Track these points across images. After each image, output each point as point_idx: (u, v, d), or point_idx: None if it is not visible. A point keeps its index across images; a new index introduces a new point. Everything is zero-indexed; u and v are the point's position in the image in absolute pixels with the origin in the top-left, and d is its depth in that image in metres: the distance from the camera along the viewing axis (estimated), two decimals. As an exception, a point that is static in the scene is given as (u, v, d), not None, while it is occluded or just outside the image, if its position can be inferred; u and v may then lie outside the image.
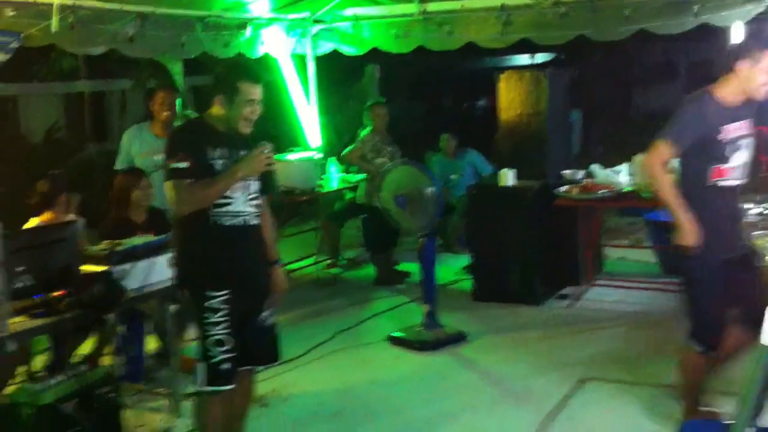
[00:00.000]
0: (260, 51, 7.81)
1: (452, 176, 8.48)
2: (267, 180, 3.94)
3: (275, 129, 8.72)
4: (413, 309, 6.37)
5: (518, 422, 4.47)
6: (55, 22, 5.31)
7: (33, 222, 5.00)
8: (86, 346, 5.25)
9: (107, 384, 4.36)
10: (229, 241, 3.73)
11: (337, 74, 9.70)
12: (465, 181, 8.25)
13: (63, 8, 5.74)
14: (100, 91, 15.88)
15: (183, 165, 3.61)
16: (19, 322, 3.96)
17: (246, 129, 3.75)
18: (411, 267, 7.22)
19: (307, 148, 8.18)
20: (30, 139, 14.76)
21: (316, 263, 8.04)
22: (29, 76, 13.12)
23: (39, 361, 4.95)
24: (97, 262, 4.51)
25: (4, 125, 15.75)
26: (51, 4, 5.63)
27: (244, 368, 3.88)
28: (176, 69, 10.94)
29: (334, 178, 7.83)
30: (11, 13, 5.53)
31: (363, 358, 5.66)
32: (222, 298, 3.69)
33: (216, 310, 3.69)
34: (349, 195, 8.16)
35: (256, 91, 3.73)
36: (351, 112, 10.61)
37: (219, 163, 3.68)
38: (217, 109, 3.74)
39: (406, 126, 12.01)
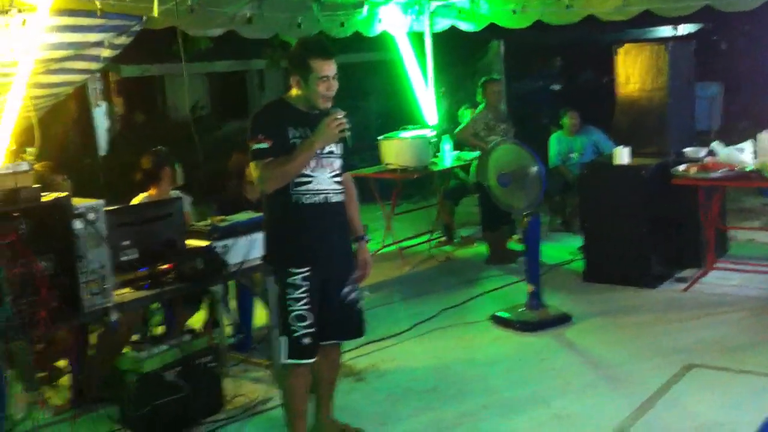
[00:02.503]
0: (377, 29, 7.87)
1: (572, 155, 8.28)
2: (347, 155, 3.98)
3: (393, 107, 8.80)
4: (522, 288, 6.27)
5: (611, 408, 4.35)
6: (155, 8, 5.52)
7: (139, 198, 5.28)
8: (198, 318, 5.50)
9: (209, 353, 4.59)
10: (309, 219, 3.81)
11: (458, 51, 9.63)
12: (586, 160, 8.04)
13: (181, -9, 6.00)
14: (240, 70, 16.50)
15: (263, 145, 3.71)
16: (125, 293, 4.21)
17: (326, 105, 3.79)
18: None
19: (424, 125, 8.19)
20: (174, 117, 15.56)
21: (429, 241, 8.07)
22: (172, 57, 13.79)
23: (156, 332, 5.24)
24: (201, 238, 4.72)
25: (150, 104, 16.70)
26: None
27: (329, 342, 3.98)
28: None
29: (448, 156, 7.81)
30: (130, -4, 5.81)
31: (464, 336, 5.66)
32: (303, 274, 3.79)
33: (297, 287, 3.79)
34: (462, 173, 8.13)
35: (329, 66, 3.75)
36: (474, 88, 10.50)
37: (300, 142, 3.77)
38: (295, 89, 3.82)
39: (529, 102, 11.82)
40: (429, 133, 7.78)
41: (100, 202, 4.00)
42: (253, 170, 3.78)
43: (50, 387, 5.00)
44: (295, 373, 3.88)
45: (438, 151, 7.84)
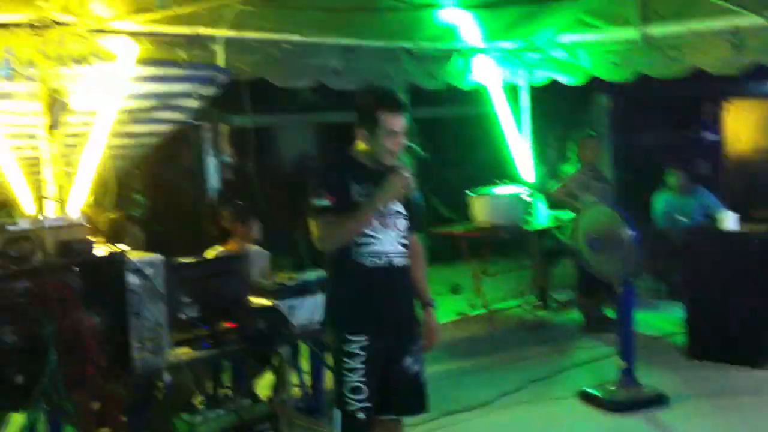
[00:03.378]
0: (470, 81, 7.62)
1: (680, 217, 7.73)
2: (414, 215, 3.72)
3: (487, 162, 8.48)
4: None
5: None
6: (221, 58, 5.45)
7: (213, 251, 5.12)
8: (266, 379, 5.27)
9: (268, 420, 4.33)
10: (370, 283, 3.54)
11: (558, 104, 9.26)
12: (695, 223, 7.49)
13: (268, 43, 5.92)
14: (347, 122, 16.52)
15: (325, 202, 3.48)
16: (183, 353, 4.02)
17: (392, 162, 3.55)
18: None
19: (521, 182, 7.84)
20: (283, 168, 15.67)
21: (522, 305, 7.66)
22: (283, 108, 13.91)
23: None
24: (267, 296, 4.51)
25: (262, 154, 16.90)
26: (259, 39, 5.84)
27: (389, 417, 3.67)
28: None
29: (543, 215, 7.42)
30: (218, 49, 5.75)
31: (549, 413, 5.21)
32: (361, 343, 3.51)
33: (353, 356, 3.51)
34: (560, 234, 7.71)
35: (398, 121, 3.52)
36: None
37: (363, 201, 3.52)
38: (360, 143, 3.58)
39: (635, 159, 11.26)
40: (522, 190, 7.42)
41: (158, 257, 3.85)
42: (312, 228, 3.55)
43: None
44: (348, 450, 3.58)
45: (532, 209, 7.46)
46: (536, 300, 7.85)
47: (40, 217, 3.56)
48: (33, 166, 5.12)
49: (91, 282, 3.61)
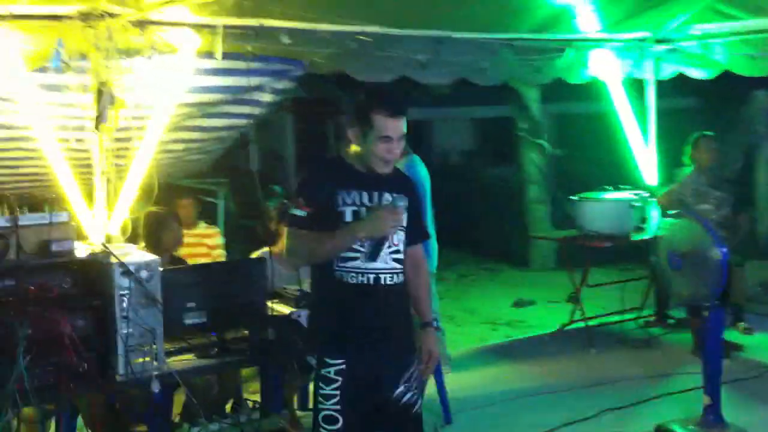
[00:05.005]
0: (585, 76, 7.00)
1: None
2: (416, 225, 3.33)
3: (604, 164, 7.80)
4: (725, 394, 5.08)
5: None
6: (291, 50, 5.18)
7: (257, 253, 4.92)
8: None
9: (278, 436, 4.08)
10: (352, 302, 3.19)
11: (689, 101, 8.38)
12: None
13: (343, 34, 5.64)
14: (499, 116, 16.09)
15: (301, 213, 3.16)
16: (182, 360, 3.85)
17: (384, 169, 3.18)
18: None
19: (641, 186, 7.10)
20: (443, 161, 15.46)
21: (633, 320, 6.96)
22: (441, 102, 13.66)
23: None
24: (289, 304, 4.26)
25: (418, 147, 16.77)
26: (331, 30, 5.58)
27: (380, 452, 3.31)
28: (531, 95, 10.48)
29: (655, 222, 6.67)
30: (287, 41, 5.54)
31: (614, 450, 4.63)
32: (337, 367, 3.17)
33: (329, 381, 3.18)
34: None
35: (394, 125, 3.14)
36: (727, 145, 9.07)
37: (349, 212, 3.16)
38: (353, 145, 3.23)
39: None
40: (635, 196, 6.71)
41: (156, 258, 3.68)
42: (285, 236, 3.25)
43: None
44: (324, 486, 3.25)
45: (647, 216, 6.72)
46: (651, 315, 7.12)
47: (18, 215, 3.46)
48: (81, 161, 5.15)
49: (75, 283, 3.50)
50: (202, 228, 6.46)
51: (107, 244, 3.66)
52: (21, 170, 5.51)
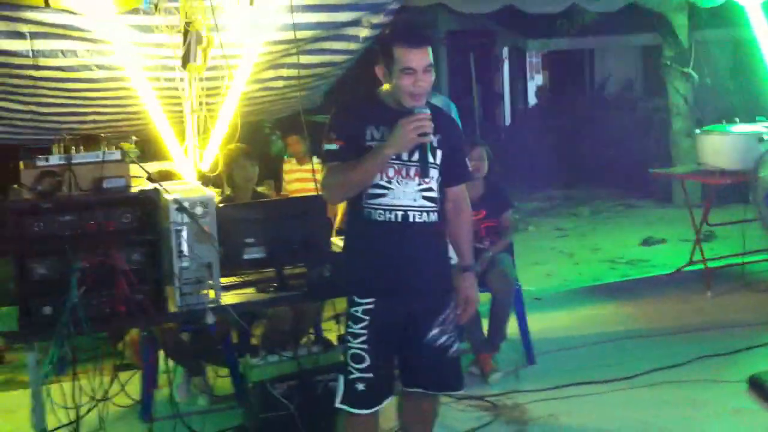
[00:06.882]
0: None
1: None
2: (455, 164, 3.20)
3: (744, 95, 7.16)
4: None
5: None
6: None
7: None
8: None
9: (337, 370, 4.10)
10: (380, 240, 3.15)
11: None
12: None
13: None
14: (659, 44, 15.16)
15: (333, 146, 3.14)
16: (240, 294, 3.93)
17: (414, 102, 3.07)
18: None
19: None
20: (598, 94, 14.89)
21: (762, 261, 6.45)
22: (608, 30, 12.99)
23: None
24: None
25: (578, 77, 16.37)
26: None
27: (415, 390, 3.28)
28: (680, 21, 9.76)
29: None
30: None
31: (697, 400, 4.32)
32: (365, 306, 3.15)
33: (357, 319, 3.17)
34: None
35: (417, 56, 3.03)
36: None
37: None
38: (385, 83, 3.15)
39: None
40: (765, 129, 6.15)
41: (211, 194, 3.76)
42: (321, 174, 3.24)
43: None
44: (350, 423, 3.26)
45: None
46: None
47: (73, 152, 3.61)
48: (173, 99, 5.31)
49: (131, 219, 3.63)
50: (315, 164, 6.53)
51: (160, 183, 3.74)
52: (126, 109, 5.76)
